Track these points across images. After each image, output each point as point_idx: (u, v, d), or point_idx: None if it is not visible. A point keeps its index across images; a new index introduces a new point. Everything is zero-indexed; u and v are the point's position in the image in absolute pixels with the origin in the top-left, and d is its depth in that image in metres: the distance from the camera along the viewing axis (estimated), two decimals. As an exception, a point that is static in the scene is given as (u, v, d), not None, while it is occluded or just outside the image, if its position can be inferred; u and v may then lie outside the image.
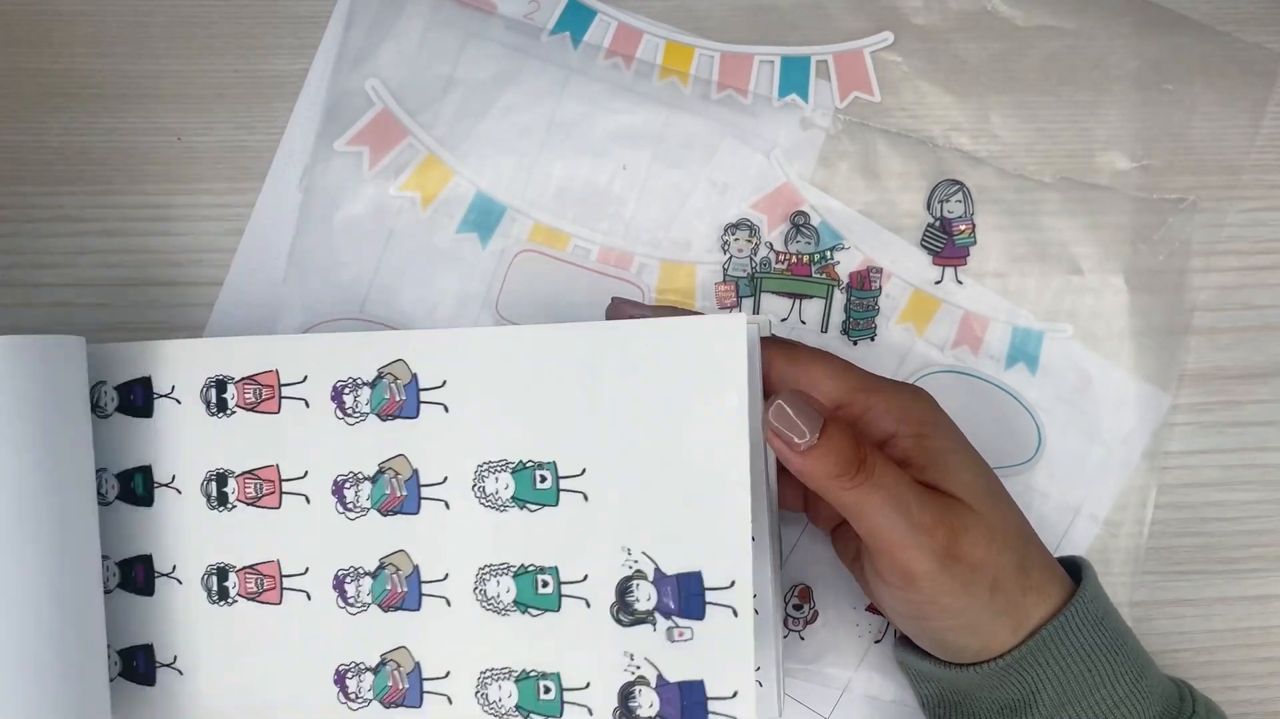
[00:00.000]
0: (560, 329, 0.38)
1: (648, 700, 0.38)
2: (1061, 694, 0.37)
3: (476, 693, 0.39)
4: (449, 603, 0.39)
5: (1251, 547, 0.47)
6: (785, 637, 0.45)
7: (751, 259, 0.47)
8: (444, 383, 0.39)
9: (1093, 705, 0.37)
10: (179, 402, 0.40)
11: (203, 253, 0.46)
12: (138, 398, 0.40)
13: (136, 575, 0.41)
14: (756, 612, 0.37)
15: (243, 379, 0.40)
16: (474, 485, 0.39)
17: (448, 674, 0.40)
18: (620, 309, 0.42)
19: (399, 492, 0.39)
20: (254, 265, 0.46)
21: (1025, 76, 0.48)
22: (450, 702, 0.40)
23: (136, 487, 0.41)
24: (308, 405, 0.40)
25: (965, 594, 0.36)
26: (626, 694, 0.38)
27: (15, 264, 0.46)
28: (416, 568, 0.40)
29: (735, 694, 0.37)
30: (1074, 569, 0.40)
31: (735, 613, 0.37)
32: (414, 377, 0.39)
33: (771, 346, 0.38)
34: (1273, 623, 0.46)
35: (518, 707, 0.39)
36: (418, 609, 0.40)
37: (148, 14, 0.47)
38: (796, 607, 0.45)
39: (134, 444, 0.41)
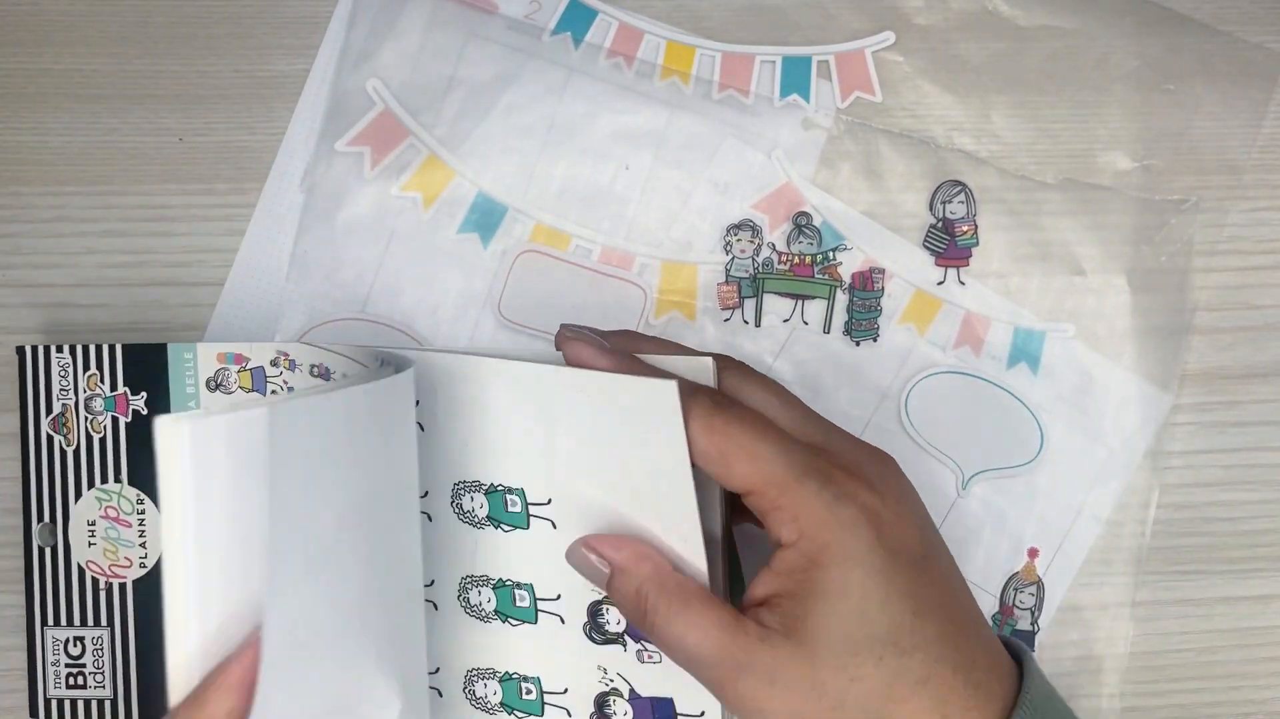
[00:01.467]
0: (516, 366, 0.37)
1: (621, 709, 0.39)
2: None
3: (464, 689, 0.41)
4: (436, 607, 0.40)
5: (1254, 546, 0.47)
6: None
7: (754, 259, 0.47)
8: (418, 403, 0.38)
9: None
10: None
11: (204, 253, 0.46)
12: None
13: None
14: None
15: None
16: (452, 502, 0.39)
17: (437, 670, 0.41)
18: (566, 340, 0.37)
19: None
20: (255, 266, 0.46)
21: (1026, 76, 0.48)
22: (440, 695, 0.41)
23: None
24: None
25: None
26: (601, 702, 0.40)
27: (15, 264, 0.46)
28: None
29: (702, 713, 0.39)
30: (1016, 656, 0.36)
31: None
32: None
33: (692, 405, 0.33)
34: (1275, 623, 0.46)
35: (502, 703, 0.40)
36: None
37: (148, 14, 0.47)
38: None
39: None
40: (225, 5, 0.47)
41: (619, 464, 0.36)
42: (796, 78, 0.48)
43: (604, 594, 0.37)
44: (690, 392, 0.34)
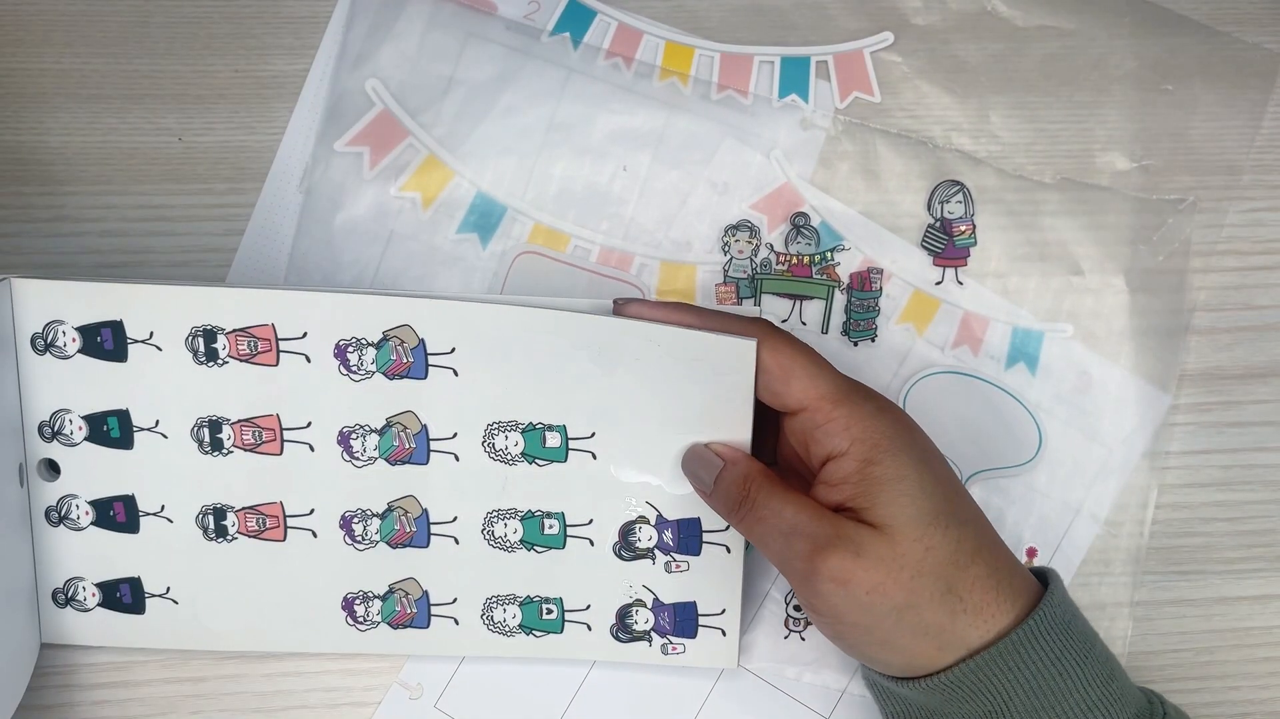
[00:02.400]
0: (576, 319, 0.40)
1: (643, 618, 0.43)
2: (1033, 702, 0.37)
3: (482, 615, 0.43)
4: (457, 542, 0.42)
5: (1252, 547, 0.47)
6: (786, 638, 0.45)
7: (752, 260, 0.47)
8: (453, 349, 0.40)
9: (1065, 711, 0.36)
10: (159, 348, 0.40)
11: (203, 253, 0.46)
12: (107, 341, 0.40)
13: (115, 513, 0.42)
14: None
15: (235, 330, 0.40)
16: (484, 441, 0.41)
17: (455, 600, 0.43)
18: (629, 302, 0.42)
19: (408, 444, 0.41)
20: (254, 266, 0.46)
21: (1025, 77, 0.48)
22: (457, 623, 0.43)
23: (111, 429, 0.41)
24: (309, 360, 0.40)
25: (866, 614, 0.37)
26: (624, 613, 0.43)
27: (15, 264, 0.46)
28: (425, 511, 0.42)
29: (723, 611, 0.43)
30: (1043, 577, 0.40)
31: (728, 550, 0.42)
32: (421, 341, 0.40)
33: (760, 334, 0.39)
34: (1274, 623, 0.46)
35: (521, 625, 0.43)
36: (426, 547, 0.42)
37: (148, 14, 0.47)
38: (798, 608, 0.45)
39: (105, 387, 0.41)
40: (225, 5, 0.48)
41: (680, 401, 0.40)
42: (795, 78, 0.48)
43: (635, 517, 0.42)
44: (757, 324, 0.40)
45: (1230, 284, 0.48)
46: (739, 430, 0.40)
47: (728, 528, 0.42)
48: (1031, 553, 0.46)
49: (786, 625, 0.45)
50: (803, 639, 0.45)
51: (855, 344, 0.47)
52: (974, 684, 0.37)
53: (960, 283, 0.47)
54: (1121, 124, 0.48)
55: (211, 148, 0.47)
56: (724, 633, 0.43)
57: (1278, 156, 0.48)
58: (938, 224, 0.47)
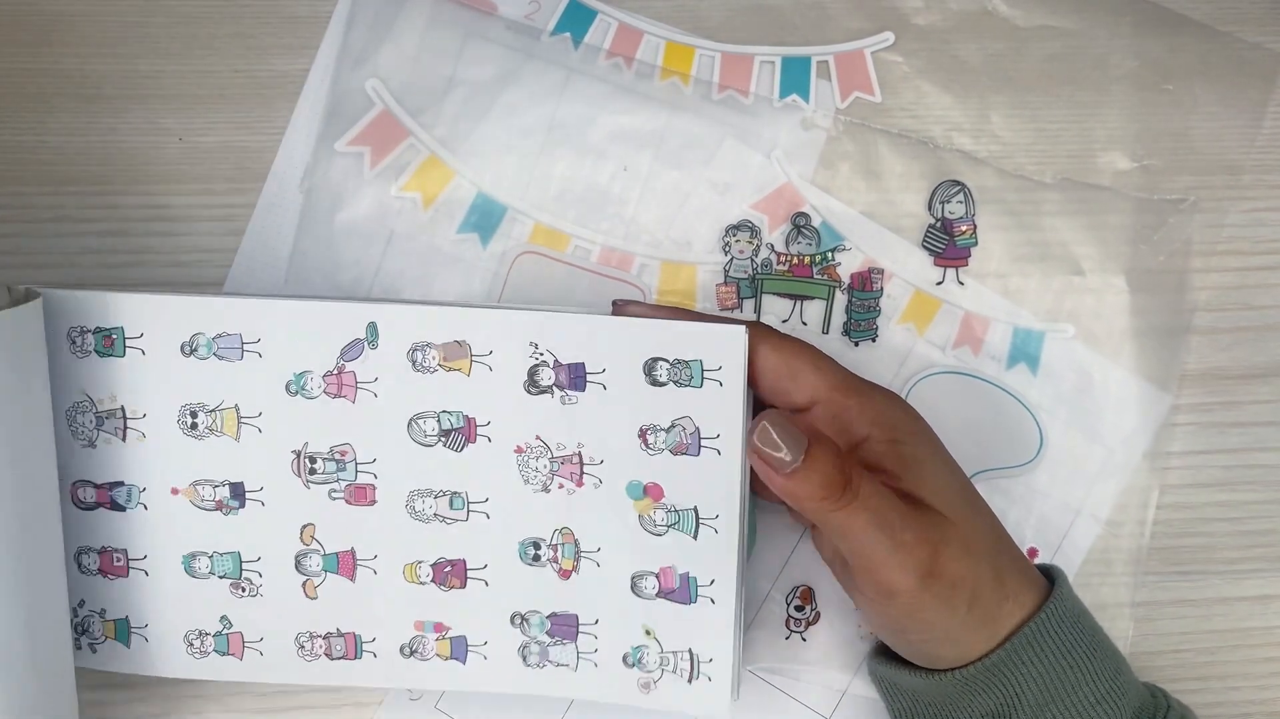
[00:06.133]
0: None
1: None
2: (1044, 695, 0.37)
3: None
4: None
5: (1253, 547, 0.47)
6: (787, 638, 0.45)
7: (753, 260, 0.47)
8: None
9: (1074, 704, 0.37)
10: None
11: (203, 253, 0.46)
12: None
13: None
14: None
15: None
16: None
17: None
18: (626, 304, 0.42)
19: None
20: (254, 267, 0.46)
21: (1025, 77, 0.48)
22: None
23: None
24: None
25: (944, 609, 0.36)
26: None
27: (15, 264, 0.46)
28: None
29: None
30: (1046, 574, 0.40)
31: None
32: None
33: (758, 335, 0.39)
34: (1274, 623, 0.46)
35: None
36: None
37: (148, 14, 0.47)
38: (799, 608, 0.45)
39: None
40: (225, 5, 0.47)
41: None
42: (796, 78, 0.48)
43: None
44: (753, 326, 0.39)
45: (1231, 284, 0.48)
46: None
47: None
48: (1032, 553, 0.46)
49: (787, 626, 0.45)
50: (804, 639, 0.45)
51: (856, 344, 0.47)
52: (991, 676, 0.37)
53: (961, 283, 0.47)
54: (1122, 124, 0.48)
55: (211, 148, 0.47)
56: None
57: (1278, 156, 0.48)
58: (938, 224, 0.47)
